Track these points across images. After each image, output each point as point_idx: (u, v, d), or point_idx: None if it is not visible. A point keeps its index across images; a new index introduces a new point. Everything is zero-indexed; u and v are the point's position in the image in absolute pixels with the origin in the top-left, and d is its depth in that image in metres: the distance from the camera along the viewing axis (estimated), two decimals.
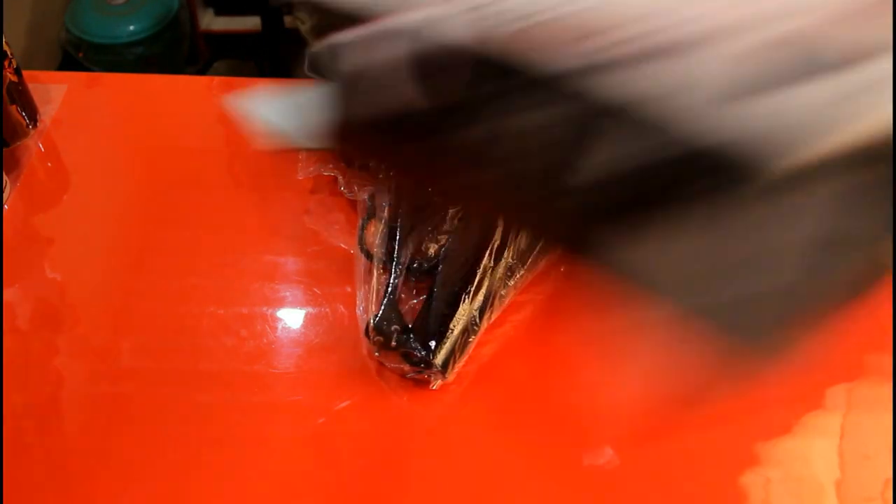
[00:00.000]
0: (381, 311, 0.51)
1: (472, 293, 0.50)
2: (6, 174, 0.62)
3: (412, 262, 0.53)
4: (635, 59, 0.30)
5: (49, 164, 0.65)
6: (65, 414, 0.50)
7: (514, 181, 0.38)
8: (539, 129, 0.33)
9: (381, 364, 0.52)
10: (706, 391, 0.37)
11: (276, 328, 0.54)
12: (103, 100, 0.71)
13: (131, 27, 1.60)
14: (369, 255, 0.54)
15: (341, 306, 0.55)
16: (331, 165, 0.60)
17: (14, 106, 0.63)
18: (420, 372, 0.50)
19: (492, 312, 0.51)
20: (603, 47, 0.30)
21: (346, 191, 0.59)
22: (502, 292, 0.51)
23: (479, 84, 0.33)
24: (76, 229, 0.60)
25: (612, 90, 0.30)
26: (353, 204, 0.59)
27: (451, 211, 0.54)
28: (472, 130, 0.36)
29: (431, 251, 0.53)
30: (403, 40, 0.34)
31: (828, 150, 0.29)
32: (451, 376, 0.49)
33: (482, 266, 0.50)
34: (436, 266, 0.52)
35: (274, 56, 1.39)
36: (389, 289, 0.52)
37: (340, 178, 0.59)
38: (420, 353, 0.48)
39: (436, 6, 0.33)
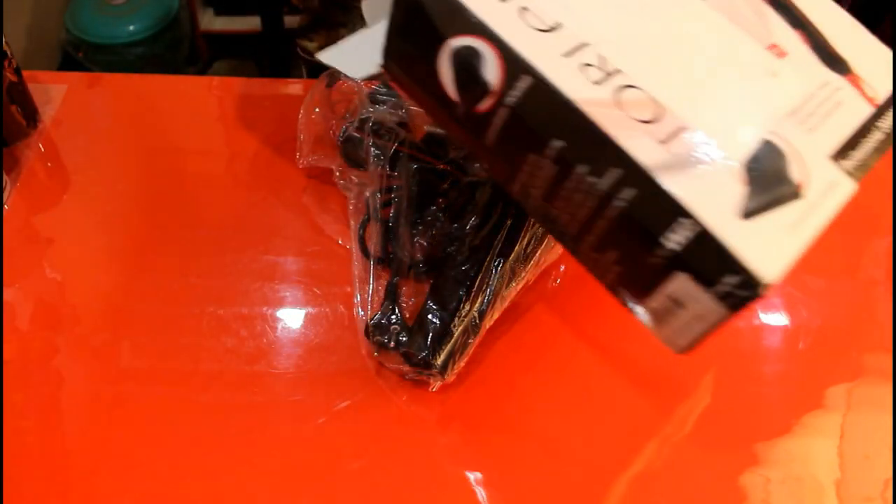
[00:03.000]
0: (380, 311, 0.51)
1: (472, 294, 0.50)
2: (6, 174, 0.62)
3: (412, 262, 0.53)
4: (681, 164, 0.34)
5: (49, 164, 0.65)
6: (65, 414, 0.50)
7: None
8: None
9: (381, 364, 0.52)
10: None
11: (276, 328, 0.54)
12: (103, 100, 0.71)
13: (131, 27, 1.60)
14: (369, 255, 0.54)
15: (341, 306, 0.55)
16: (328, 158, 0.60)
17: (14, 106, 0.63)
18: (420, 373, 0.50)
19: (493, 313, 0.51)
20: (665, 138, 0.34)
21: (340, 183, 0.59)
22: (504, 293, 0.51)
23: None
24: (76, 229, 0.60)
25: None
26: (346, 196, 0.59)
27: (451, 210, 0.54)
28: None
29: (432, 250, 0.53)
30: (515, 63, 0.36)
31: None
32: (450, 377, 0.49)
33: (484, 266, 0.50)
34: (436, 266, 0.53)
35: (274, 56, 1.39)
36: (389, 289, 0.52)
37: (336, 170, 0.59)
38: (420, 353, 0.48)
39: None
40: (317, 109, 0.60)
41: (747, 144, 0.35)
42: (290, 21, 1.29)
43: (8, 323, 0.53)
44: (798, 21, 0.40)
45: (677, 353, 0.38)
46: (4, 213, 0.60)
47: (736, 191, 0.33)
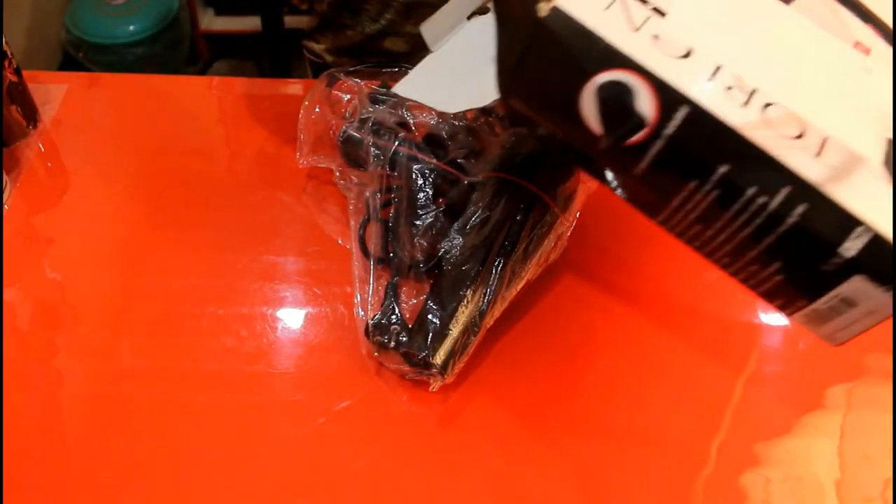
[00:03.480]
0: (380, 311, 0.51)
1: (472, 294, 0.50)
2: (6, 174, 0.62)
3: (412, 262, 0.53)
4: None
5: (49, 164, 0.65)
6: (65, 414, 0.50)
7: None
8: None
9: (381, 364, 0.52)
10: None
11: (276, 328, 0.54)
12: (103, 100, 0.71)
13: (131, 27, 1.60)
14: (369, 255, 0.54)
15: (341, 306, 0.55)
16: (328, 158, 0.60)
17: (14, 106, 0.63)
18: (420, 373, 0.50)
19: (493, 313, 0.51)
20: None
21: (340, 183, 0.59)
22: (504, 293, 0.51)
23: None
24: (76, 229, 0.60)
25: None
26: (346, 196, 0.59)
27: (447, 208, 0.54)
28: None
29: (432, 250, 0.53)
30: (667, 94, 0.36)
31: None
32: (450, 377, 0.49)
33: (484, 266, 0.50)
34: (436, 266, 0.53)
35: (274, 56, 1.39)
36: (389, 289, 0.52)
37: (336, 170, 0.59)
38: (420, 353, 0.48)
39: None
40: (317, 109, 0.60)
41: (878, 145, 0.36)
42: (294, 21, 1.29)
43: (8, 323, 0.53)
44: (866, 16, 0.41)
45: (834, 346, 0.39)
46: (4, 213, 0.60)
47: (887, 192, 0.35)
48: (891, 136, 0.36)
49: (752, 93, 0.36)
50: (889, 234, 0.34)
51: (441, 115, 0.59)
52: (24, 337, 0.53)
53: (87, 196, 0.63)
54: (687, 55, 0.36)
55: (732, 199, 0.36)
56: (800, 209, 0.35)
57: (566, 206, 0.54)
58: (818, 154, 0.35)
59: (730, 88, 0.36)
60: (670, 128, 0.36)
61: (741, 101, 0.36)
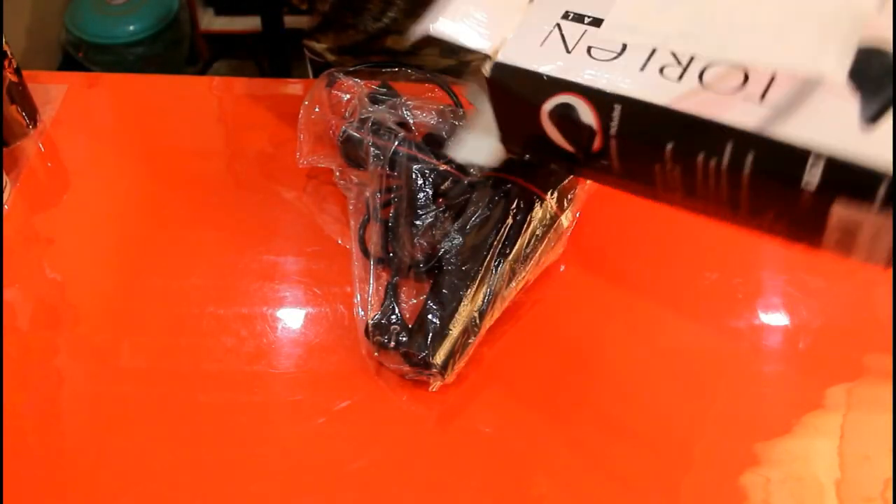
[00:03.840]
0: (380, 311, 0.51)
1: (472, 294, 0.50)
2: (6, 174, 0.62)
3: (412, 262, 0.53)
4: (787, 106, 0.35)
5: (49, 164, 0.65)
6: (65, 414, 0.50)
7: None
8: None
9: (380, 364, 0.52)
10: None
11: (276, 328, 0.54)
12: (103, 100, 0.71)
13: (131, 27, 1.60)
14: (369, 255, 0.54)
15: (341, 306, 0.55)
16: (328, 158, 0.60)
17: (14, 106, 0.63)
18: (420, 373, 0.50)
19: (493, 313, 0.51)
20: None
21: (340, 183, 0.59)
22: (504, 293, 0.51)
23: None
24: (76, 229, 0.60)
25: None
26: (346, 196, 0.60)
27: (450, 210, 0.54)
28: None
29: (432, 250, 0.53)
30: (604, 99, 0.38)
31: None
32: (450, 377, 0.49)
33: (484, 266, 0.50)
34: (436, 266, 0.53)
35: (274, 56, 1.39)
36: (389, 289, 0.52)
37: (336, 170, 0.59)
38: (420, 353, 0.48)
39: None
40: (317, 109, 0.60)
41: (844, 59, 0.35)
42: (294, 21, 1.29)
43: (8, 323, 0.53)
44: None
45: (884, 269, 0.37)
46: (4, 213, 0.60)
47: (850, 106, 0.34)
48: (865, 43, 0.35)
49: (689, 62, 0.37)
50: (848, 150, 0.33)
51: (441, 114, 0.59)
52: (24, 337, 0.53)
53: (87, 196, 0.63)
54: (622, 52, 0.39)
55: (692, 169, 0.37)
56: (750, 158, 0.35)
57: (566, 206, 0.54)
58: (763, 97, 0.35)
59: (663, 69, 0.37)
60: (613, 126, 0.38)
61: (675, 76, 0.37)
